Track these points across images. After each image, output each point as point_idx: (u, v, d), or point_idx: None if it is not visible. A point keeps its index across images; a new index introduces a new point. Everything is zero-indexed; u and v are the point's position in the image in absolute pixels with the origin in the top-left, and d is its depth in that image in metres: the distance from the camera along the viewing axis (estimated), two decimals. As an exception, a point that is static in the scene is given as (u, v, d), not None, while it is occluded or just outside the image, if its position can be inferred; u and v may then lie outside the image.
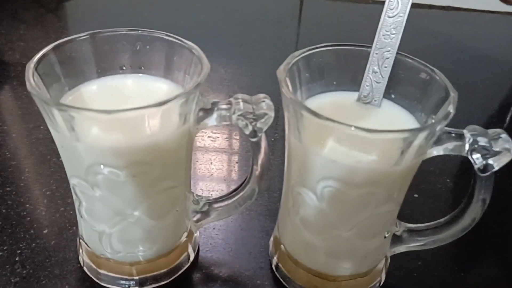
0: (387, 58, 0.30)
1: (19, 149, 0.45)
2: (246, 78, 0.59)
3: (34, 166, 0.44)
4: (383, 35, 0.29)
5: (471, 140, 0.27)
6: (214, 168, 0.45)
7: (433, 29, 0.75)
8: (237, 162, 0.46)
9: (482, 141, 0.27)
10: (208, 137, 0.49)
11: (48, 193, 0.41)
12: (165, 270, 0.34)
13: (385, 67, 0.30)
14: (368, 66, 0.30)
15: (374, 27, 0.30)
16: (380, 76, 0.30)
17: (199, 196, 0.35)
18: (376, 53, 0.30)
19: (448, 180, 0.46)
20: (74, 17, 0.74)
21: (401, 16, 0.29)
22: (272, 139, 0.49)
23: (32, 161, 0.44)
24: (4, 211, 0.39)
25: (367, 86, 0.31)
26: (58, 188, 0.41)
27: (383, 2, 0.29)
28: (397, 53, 0.31)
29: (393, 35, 0.29)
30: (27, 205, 0.40)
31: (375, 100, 0.31)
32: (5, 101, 0.52)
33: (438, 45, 0.71)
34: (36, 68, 0.28)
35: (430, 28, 0.75)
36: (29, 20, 0.69)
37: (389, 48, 0.30)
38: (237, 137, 0.50)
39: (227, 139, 0.49)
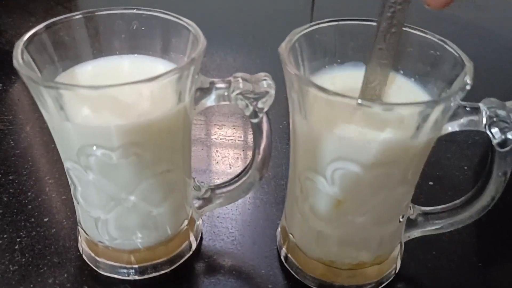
0: None
1: (23, 138, 0.45)
2: (255, 67, 0.57)
3: (37, 154, 0.43)
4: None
5: (488, 113, 0.25)
6: (220, 156, 0.44)
7: (453, 15, 0.72)
8: (243, 150, 0.45)
9: (500, 114, 0.25)
10: (215, 124, 0.48)
11: (50, 181, 0.40)
12: (165, 258, 0.33)
13: None
14: None
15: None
16: None
17: (201, 182, 0.34)
18: None
19: (465, 168, 0.43)
20: (84, 9, 0.73)
21: None
22: (281, 126, 0.47)
23: (35, 150, 0.43)
24: (5, 199, 0.38)
25: None
26: (61, 176, 0.41)
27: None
28: (404, 25, 0.29)
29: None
30: (29, 194, 0.39)
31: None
32: (12, 91, 0.52)
33: (458, 30, 0.68)
34: (26, 46, 0.27)
35: (450, 13, 0.72)
36: (39, 12, 0.69)
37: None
38: (246, 126, 0.48)
39: (233, 127, 0.48)
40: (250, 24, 0.70)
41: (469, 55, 0.27)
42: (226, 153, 0.44)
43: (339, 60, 0.30)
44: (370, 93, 0.28)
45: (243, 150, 0.45)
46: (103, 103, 0.25)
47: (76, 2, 0.74)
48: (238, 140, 0.46)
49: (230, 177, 0.41)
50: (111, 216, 0.30)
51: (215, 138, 0.46)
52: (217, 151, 0.44)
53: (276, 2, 0.78)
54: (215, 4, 0.75)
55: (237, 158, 0.44)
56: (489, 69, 0.59)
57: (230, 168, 0.43)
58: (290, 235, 0.33)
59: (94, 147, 0.26)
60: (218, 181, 0.41)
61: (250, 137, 0.47)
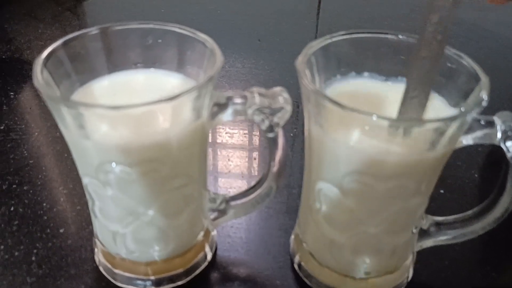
0: None
1: (36, 147, 0.45)
2: (264, 73, 0.58)
3: (51, 164, 0.43)
4: None
5: (503, 127, 0.25)
6: (232, 164, 0.44)
7: (457, 17, 0.72)
8: (255, 158, 0.45)
9: None
10: (226, 133, 0.48)
11: (64, 191, 0.41)
12: (181, 270, 0.33)
13: None
14: None
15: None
16: None
17: (216, 194, 0.34)
18: None
19: (476, 175, 0.44)
20: (91, 15, 0.74)
21: None
22: (291, 134, 0.47)
23: (49, 160, 0.44)
24: (21, 210, 0.39)
25: None
26: (75, 186, 0.41)
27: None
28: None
29: None
30: (44, 204, 0.39)
31: None
32: (23, 100, 0.52)
33: (462, 33, 0.68)
34: (45, 64, 0.27)
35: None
36: (47, 19, 0.69)
37: None
38: (255, 133, 0.49)
39: (245, 135, 0.48)
40: (255, 27, 0.70)
41: (474, 55, 0.27)
42: (238, 161, 0.44)
43: (354, 72, 0.31)
44: (412, 107, 0.26)
45: (255, 159, 0.45)
46: (122, 121, 0.25)
47: (83, 8, 0.74)
48: (249, 148, 0.46)
49: (242, 185, 0.42)
50: (129, 230, 0.30)
51: (226, 146, 0.46)
52: (228, 159, 0.45)
53: (281, 5, 0.78)
54: (218, 8, 0.75)
55: (249, 166, 0.44)
56: (492, 71, 0.59)
57: (242, 177, 0.43)
58: (304, 243, 0.34)
59: (113, 164, 0.26)
60: (231, 190, 0.41)
61: (260, 143, 0.47)
